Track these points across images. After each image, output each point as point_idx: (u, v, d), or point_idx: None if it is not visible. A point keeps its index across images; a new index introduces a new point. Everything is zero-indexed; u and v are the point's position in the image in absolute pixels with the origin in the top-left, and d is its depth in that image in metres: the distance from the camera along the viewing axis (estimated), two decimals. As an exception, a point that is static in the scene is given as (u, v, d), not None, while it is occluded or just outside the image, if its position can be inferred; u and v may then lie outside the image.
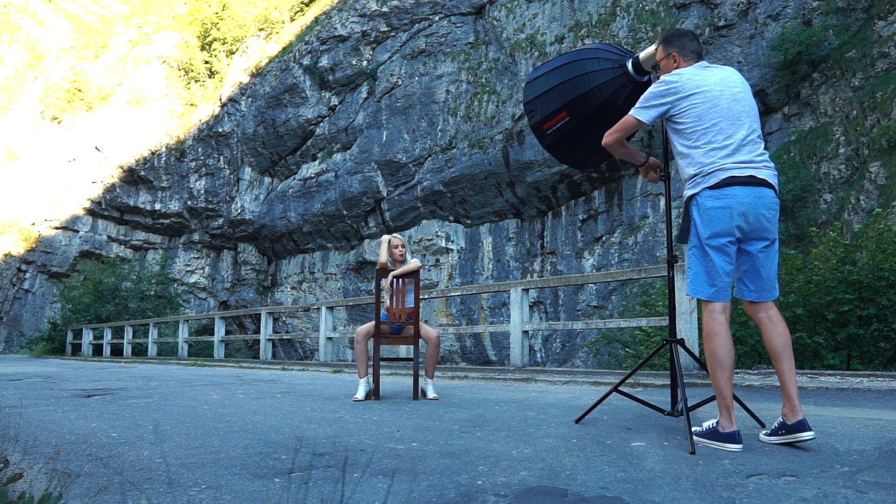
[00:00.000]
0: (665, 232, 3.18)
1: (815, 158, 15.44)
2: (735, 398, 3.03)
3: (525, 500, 1.82)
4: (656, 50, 2.99)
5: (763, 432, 2.63)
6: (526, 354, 8.01)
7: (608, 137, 2.85)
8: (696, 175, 2.64)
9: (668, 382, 5.37)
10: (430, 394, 4.78)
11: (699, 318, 6.34)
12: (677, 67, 2.84)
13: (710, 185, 2.58)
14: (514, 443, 2.73)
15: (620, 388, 3.27)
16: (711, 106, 2.62)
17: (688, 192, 2.69)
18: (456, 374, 7.53)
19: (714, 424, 2.60)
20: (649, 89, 2.77)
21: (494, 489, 1.95)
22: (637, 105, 2.76)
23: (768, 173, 2.60)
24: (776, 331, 2.60)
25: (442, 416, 3.71)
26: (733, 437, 2.50)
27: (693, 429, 2.74)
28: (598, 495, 1.85)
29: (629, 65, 3.15)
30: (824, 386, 4.68)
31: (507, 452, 2.52)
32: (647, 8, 18.63)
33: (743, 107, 2.65)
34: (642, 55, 3.10)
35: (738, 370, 5.69)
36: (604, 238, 19.81)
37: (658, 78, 2.95)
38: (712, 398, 2.99)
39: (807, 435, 2.45)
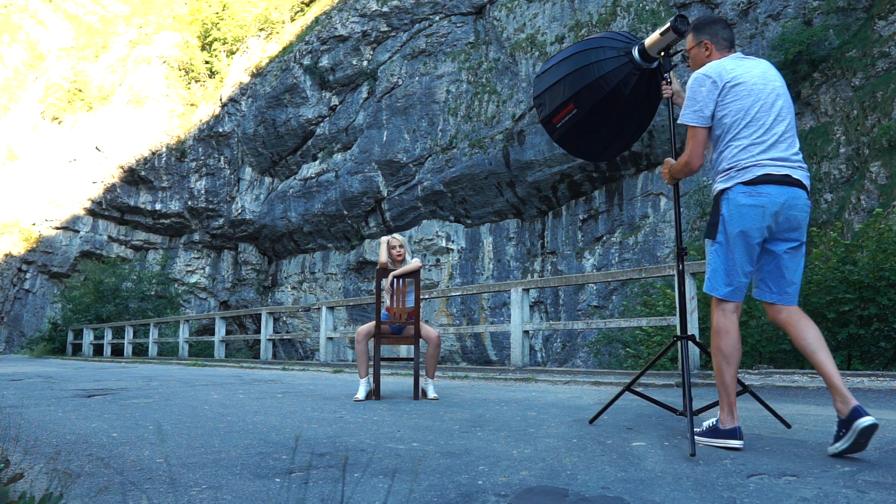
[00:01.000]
0: (674, 223, 3.08)
1: (815, 158, 15.43)
2: (759, 399, 2.99)
3: (526, 500, 1.82)
4: (685, 38, 2.85)
5: (831, 446, 2.38)
6: (526, 354, 8.01)
7: (696, 162, 2.62)
8: (729, 169, 2.52)
9: (670, 382, 5.37)
10: (431, 394, 4.78)
11: (698, 317, 6.34)
12: (709, 56, 2.71)
13: (743, 181, 2.47)
14: (515, 443, 2.73)
15: (633, 388, 3.21)
16: (755, 99, 2.51)
17: (719, 187, 2.57)
18: (456, 373, 7.53)
19: (714, 422, 2.57)
20: (692, 88, 2.61)
21: (495, 489, 1.95)
22: (688, 113, 2.59)
23: (803, 174, 2.51)
24: (802, 325, 2.48)
25: (442, 415, 3.71)
26: (734, 433, 2.47)
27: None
28: (598, 495, 1.85)
29: (635, 52, 3.05)
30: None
31: (507, 452, 2.52)
32: (647, 7, 18.62)
33: (784, 102, 2.56)
34: (648, 41, 3.00)
35: (738, 370, 5.68)
36: (604, 238, 19.80)
37: (689, 67, 2.81)
38: None
39: (865, 421, 2.20)
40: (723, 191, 2.54)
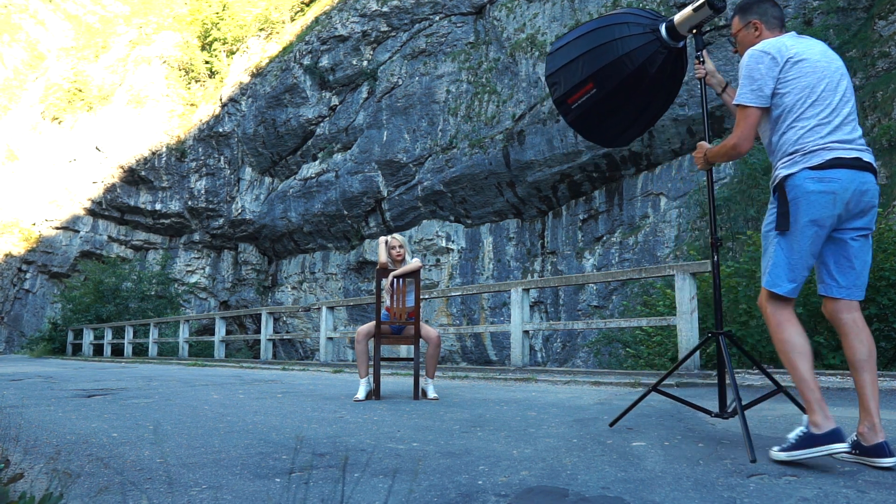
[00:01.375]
0: (709, 214, 2.92)
1: (815, 158, 15.42)
2: (793, 400, 2.73)
3: (526, 500, 1.82)
4: (720, 14, 2.70)
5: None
6: (526, 354, 8.01)
7: (746, 145, 2.40)
8: (794, 153, 2.32)
9: (670, 382, 5.37)
10: (431, 394, 4.78)
11: (699, 317, 6.33)
12: (759, 37, 2.53)
13: (811, 166, 2.26)
14: (515, 442, 2.73)
15: (659, 388, 3.00)
16: (821, 77, 2.33)
17: (782, 172, 2.34)
18: (456, 373, 7.53)
19: (805, 430, 2.19)
20: (748, 66, 2.39)
21: (495, 489, 1.95)
22: (745, 92, 2.37)
23: (871, 157, 2.34)
24: (860, 337, 2.27)
25: (442, 415, 3.71)
26: (835, 436, 2.12)
27: (775, 448, 2.30)
28: (598, 495, 1.85)
29: (662, 29, 2.87)
30: (825, 386, 4.68)
31: (507, 452, 2.52)
32: (647, 8, 18.63)
33: (847, 83, 2.39)
34: (678, 18, 2.82)
35: (738, 370, 5.69)
36: (604, 238, 19.80)
37: (737, 52, 2.65)
38: (766, 396, 2.80)
39: (886, 461, 2.09)
40: (787, 177, 2.31)
